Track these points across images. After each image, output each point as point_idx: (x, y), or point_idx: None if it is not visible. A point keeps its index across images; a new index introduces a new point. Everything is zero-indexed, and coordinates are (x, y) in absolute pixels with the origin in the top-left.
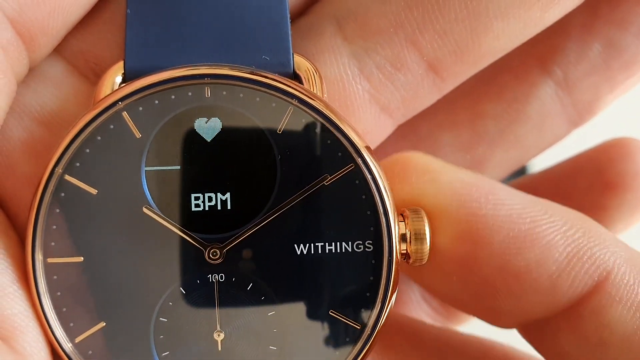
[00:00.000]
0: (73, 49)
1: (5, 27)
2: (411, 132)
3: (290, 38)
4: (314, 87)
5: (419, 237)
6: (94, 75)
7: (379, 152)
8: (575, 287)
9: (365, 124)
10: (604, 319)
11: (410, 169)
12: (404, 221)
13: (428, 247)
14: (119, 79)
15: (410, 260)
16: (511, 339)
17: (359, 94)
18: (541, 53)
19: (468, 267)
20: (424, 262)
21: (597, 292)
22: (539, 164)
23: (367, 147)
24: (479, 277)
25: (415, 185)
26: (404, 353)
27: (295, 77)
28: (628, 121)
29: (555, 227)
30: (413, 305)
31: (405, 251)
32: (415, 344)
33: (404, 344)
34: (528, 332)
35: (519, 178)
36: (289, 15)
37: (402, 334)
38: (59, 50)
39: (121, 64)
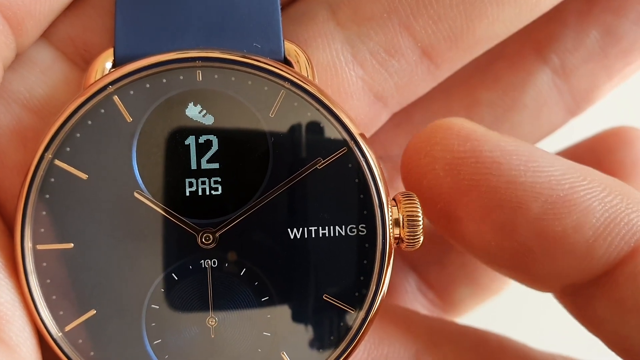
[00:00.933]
0: (62, 34)
1: None
2: (406, 120)
3: (280, 25)
4: (306, 73)
5: (411, 221)
6: (83, 61)
7: (373, 142)
8: (612, 251)
9: (359, 111)
10: (639, 284)
11: (453, 136)
12: (397, 206)
13: (421, 231)
14: (108, 65)
15: (403, 245)
16: (507, 330)
17: (352, 81)
18: (538, 40)
19: (506, 233)
20: (416, 247)
21: (633, 257)
22: None
23: (360, 133)
24: (517, 242)
25: (456, 154)
26: (399, 343)
27: (286, 63)
28: (626, 110)
29: (593, 192)
30: (409, 296)
31: (398, 235)
32: (409, 333)
33: (398, 334)
34: (564, 297)
35: None
36: (279, 2)
37: (396, 323)
38: (47, 36)
39: (111, 50)
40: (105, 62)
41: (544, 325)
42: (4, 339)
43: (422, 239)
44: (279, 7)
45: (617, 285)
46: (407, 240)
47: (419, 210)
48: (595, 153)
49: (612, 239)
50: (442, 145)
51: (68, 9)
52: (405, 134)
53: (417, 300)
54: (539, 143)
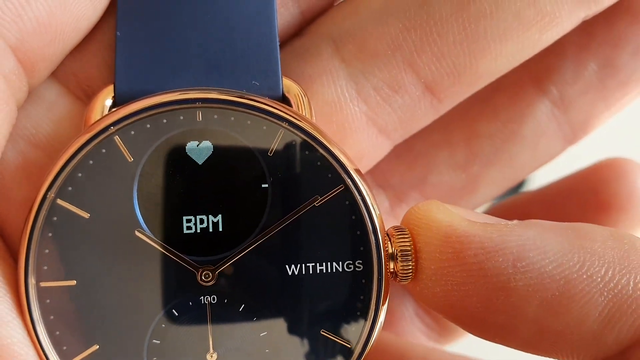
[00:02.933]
0: (66, 70)
1: (7, 57)
2: (406, 151)
3: (279, 62)
4: (303, 110)
5: (405, 255)
6: (86, 96)
7: (374, 171)
8: (622, 338)
9: (363, 145)
10: None
11: (434, 239)
12: (390, 240)
13: (413, 265)
14: (109, 102)
15: (398, 279)
16: (501, 358)
17: (357, 116)
18: (537, 72)
19: (507, 333)
20: (409, 280)
21: None
22: (539, 179)
23: (356, 169)
24: (520, 339)
25: (440, 263)
26: None
27: (284, 100)
28: (622, 137)
29: (592, 282)
30: (406, 321)
31: (393, 270)
32: None
33: None
34: None
35: (514, 195)
36: (277, 40)
37: (389, 355)
38: (53, 72)
39: (111, 87)
40: (105, 99)
41: None
42: None
43: (413, 272)
44: (278, 45)
45: None
46: (400, 274)
47: (410, 243)
48: (591, 184)
49: (621, 327)
50: (426, 254)
51: None
52: (406, 163)
53: (414, 325)
54: (536, 172)
